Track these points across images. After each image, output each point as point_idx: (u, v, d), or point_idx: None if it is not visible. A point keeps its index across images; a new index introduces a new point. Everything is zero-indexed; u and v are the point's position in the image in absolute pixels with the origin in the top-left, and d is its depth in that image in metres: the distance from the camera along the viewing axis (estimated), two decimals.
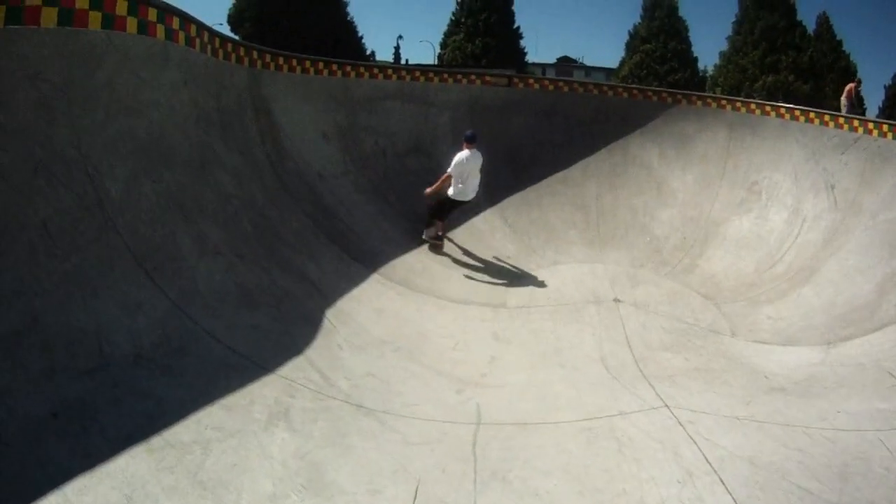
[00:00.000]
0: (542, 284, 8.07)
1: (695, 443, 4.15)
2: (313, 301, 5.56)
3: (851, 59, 35.74)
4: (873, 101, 43.10)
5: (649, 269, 9.17)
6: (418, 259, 7.77)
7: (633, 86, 15.06)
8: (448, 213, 8.66)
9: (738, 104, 11.51)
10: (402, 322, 5.95)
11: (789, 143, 10.25)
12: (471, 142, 8.37)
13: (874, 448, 4.19)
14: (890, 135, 8.82)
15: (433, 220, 8.62)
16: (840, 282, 7.53)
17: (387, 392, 4.48)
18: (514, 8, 37.70)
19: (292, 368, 4.24)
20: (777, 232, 9.32)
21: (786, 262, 8.67)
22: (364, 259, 7.07)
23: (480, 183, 8.60)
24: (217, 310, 4.48)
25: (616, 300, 7.69)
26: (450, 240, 8.87)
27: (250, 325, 4.57)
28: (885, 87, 38.12)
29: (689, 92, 12.20)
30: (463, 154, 8.26)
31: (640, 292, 8.11)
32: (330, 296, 5.81)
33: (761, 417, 4.67)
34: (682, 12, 35.60)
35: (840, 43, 36.19)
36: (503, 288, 7.79)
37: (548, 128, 11.44)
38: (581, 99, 11.77)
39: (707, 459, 3.93)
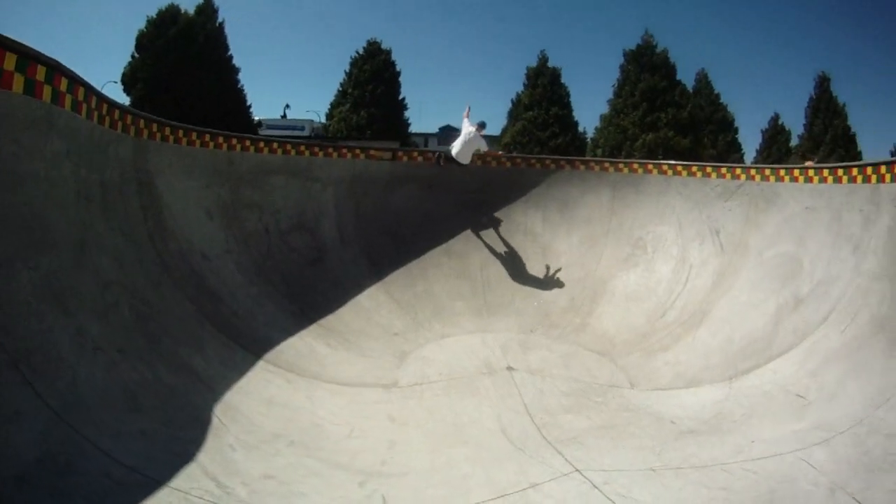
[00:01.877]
0: (432, 359, 7.98)
1: (607, 496, 4.16)
2: (200, 396, 5.22)
3: (729, 109, 38.64)
4: (751, 145, 46.37)
5: (540, 333, 9.34)
6: (304, 342, 7.50)
7: (517, 155, 15.60)
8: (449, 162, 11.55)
9: (621, 165, 12.14)
10: (293, 412, 5.68)
11: (672, 197, 10.88)
12: (481, 127, 11.39)
13: (797, 468, 4.42)
14: (772, 177, 9.45)
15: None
16: (734, 319, 7.95)
17: (288, 495, 4.23)
18: (401, 80, 39.22)
19: (185, 479, 3.91)
20: (665, 281, 9.79)
21: (677, 308, 9.08)
22: (249, 345, 6.77)
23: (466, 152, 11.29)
24: (101, 417, 4.11)
25: (509, 368, 7.72)
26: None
27: (138, 432, 4.23)
28: (761, 131, 41.58)
29: (572, 157, 12.73)
30: (471, 131, 11.27)
31: (533, 358, 8.20)
32: (217, 389, 5.48)
33: (676, 464, 4.78)
34: (564, 79, 37.31)
35: (718, 96, 39.10)
36: (394, 366, 7.66)
37: (431, 200, 11.68)
38: (463, 170, 12.04)
39: None
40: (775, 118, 41.48)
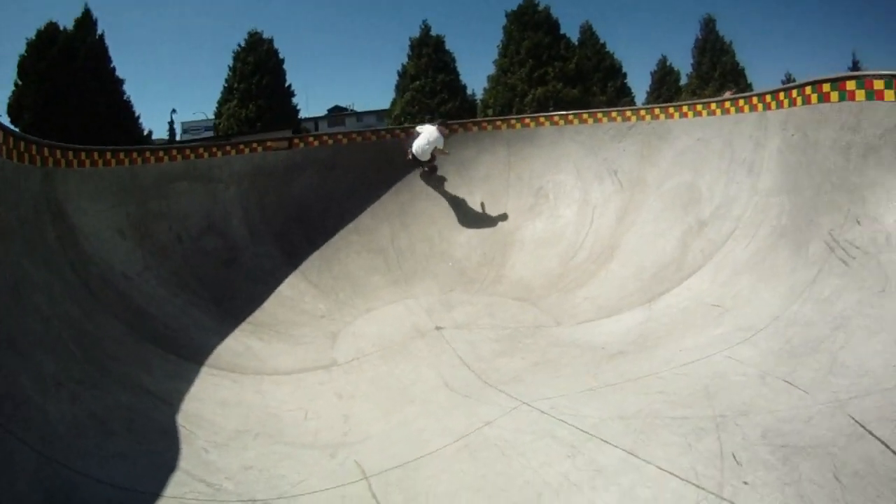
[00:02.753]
0: (363, 334, 8.29)
1: (564, 422, 4.63)
2: (160, 411, 5.35)
3: (616, 57, 39.79)
4: (641, 88, 47.70)
5: (459, 291, 9.80)
6: (238, 341, 7.65)
7: (408, 125, 15.92)
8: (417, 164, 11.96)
9: (514, 121, 12.71)
10: (248, 408, 5.90)
11: (567, 145, 11.59)
12: (444, 125, 11.93)
13: (725, 365, 5.05)
14: (662, 115, 10.25)
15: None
16: (642, 249, 8.72)
17: (270, 478, 4.51)
18: (286, 67, 38.61)
19: (176, 486, 4.15)
20: (572, 224, 10.53)
21: (586, 248, 9.80)
22: (189, 355, 6.88)
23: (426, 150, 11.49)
24: (81, 447, 4.27)
25: (438, 328, 8.13)
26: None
27: (118, 454, 4.39)
28: (651, 73, 43.11)
29: (465, 120, 13.22)
30: (433, 130, 11.59)
31: (457, 314, 8.67)
32: (173, 401, 5.61)
33: (613, 381, 5.37)
34: (448, 46, 37.46)
35: (604, 45, 40.07)
36: (328, 347, 7.92)
37: (332, 181, 11.87)
38: (359, 147, 12.38)
39: (581, 429, 4.43)
40: (663, 60, 42.94)
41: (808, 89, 7.33)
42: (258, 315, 8.63)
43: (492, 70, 37.31)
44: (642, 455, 3.94)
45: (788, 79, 44.48)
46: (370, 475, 4.45)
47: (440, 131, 11.52)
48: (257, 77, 36.82)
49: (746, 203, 7.64)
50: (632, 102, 37.16)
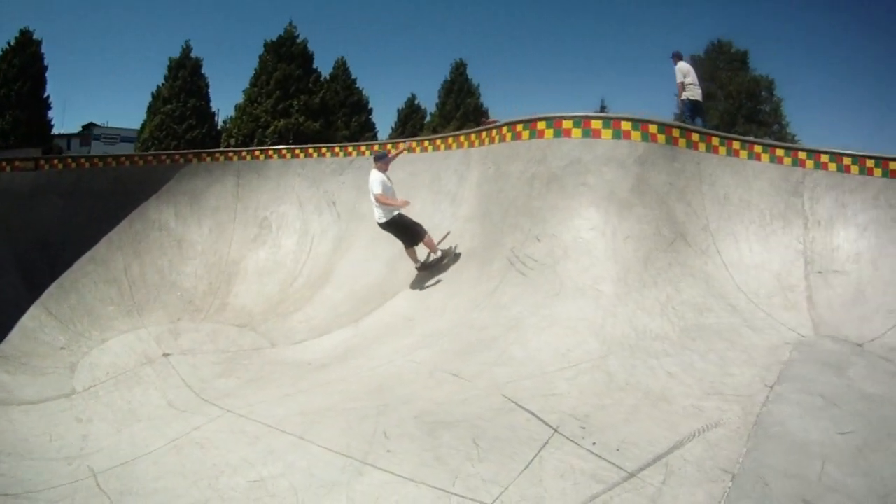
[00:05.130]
0: (98, 364, 8.54)
1: (256, 420, 5.19)
2: None
3: (364, 93, 41.03)
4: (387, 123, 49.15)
5: (187, 319, 10.01)
6: None
7: (149, 153, 15.70)
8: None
9: (244, 153, 13.04)
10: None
11: (292, 177, 12.18)
12: (380, 160, 8.81)
13: (403, 367, 5.93)
14: (419, 149, 10.94)
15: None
16: (355, 274, 9.44)
17: (20, 481, 5.19)
18: (48, 75, 34.61)
19: None
20: (292, 253, 11.12)
21: (304, 274, 10.44)
22: None
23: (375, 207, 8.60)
24: None
25: (165, 355, 8.41)
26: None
27: None
28: (398, 110, 44.01)
29: (200, 150, 13.41)
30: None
31: (184, 341, 9.00)
32: None
33: (307, 388, 5.93)
34: (206, 70, 36.56)
35: (355, 81, 41.17)
36: (68, 377, 8.24)
37: (74, 207, 11.44)
38: (101, 172, 12.04)
39: (267, 424, 5.00)
40: (412, 98, 44.32)
41: (504, 129, 8.49)
42: (4, 347, 8.80)
43: (240, 99, 37.20)
44: (308, 438, 4.46)
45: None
46: (98, 472, 5.08)
47: (378, 169, 8.66)
48: (19, 83, 33.03)
49: (448, 229, 8.72)
50: (374, 137, 38.39)
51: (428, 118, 42.23)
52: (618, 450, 3.94)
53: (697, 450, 4.01)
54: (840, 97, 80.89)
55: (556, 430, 4.18)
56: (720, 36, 51.21)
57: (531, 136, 8.03)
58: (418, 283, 8.19)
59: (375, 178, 8.39)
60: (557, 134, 7.81)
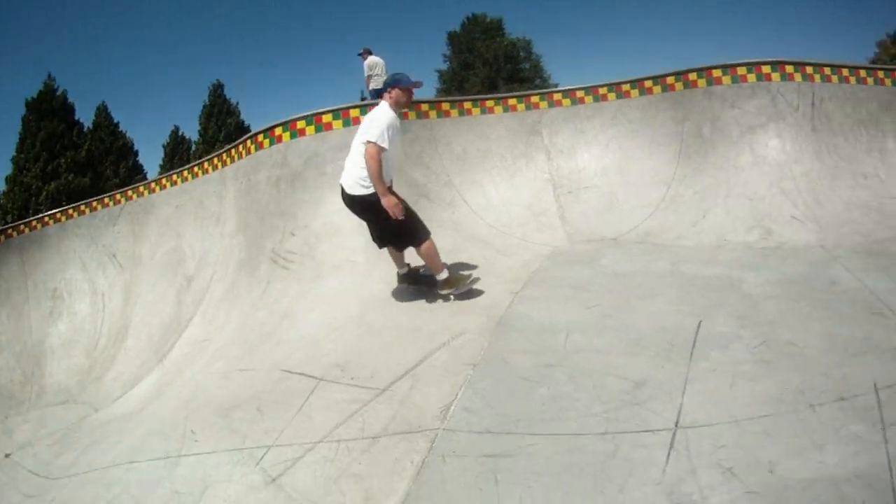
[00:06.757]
0: None
1: (92, 471, 5.67)
2: None
3: (128, 135, 40.00)
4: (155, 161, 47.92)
5: (14, 415, 9.61)
6: None
7: None
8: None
9: (22, 227, 12.63)
10: None
11: (71, 240, 11.95)
12: (394, 86, 6.19)
13: (204, 377, 6.45)
14: (146, 192, 11.29)
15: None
16: (148, 319, 9.63)
17: None
18: None
19: None
20: (88, 317, 11.00)
21: (104, 334, 10.43)
22: None
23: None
24: None
25: (7, 455, 7.96)
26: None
27: None
28: (163, 146, 43.17)
29: None
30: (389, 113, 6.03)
31: (18, 436, 8.65)
32: None
33: (132, 429, 6.45)
34: None
35: (118, 125, 39.87)
36: None
37: None
38: None
39: (103, 467, 5.40)
40: (175, 130, 43.92)
41: (248, 142, 9.15)
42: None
43: (9, 169, 35.19)
44: (136, 460, 5.03)
45: None
46: None
47: (389, 103, 6.09)
48: None
49: (218, 249, 9.16)
50: (144, 178, 37.68)
51: (194, 148, 41.93)
52: (371, 377, 4.86)
53: (444, 356, 4.97)
54: (591, 40, 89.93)
55: (320, 379, 5.05)
56: (473, 11, 54.57)
57: (271, 143, 8.75)
58: (210, 305, 8.51)
59: (379, 116, 5.91)
60: (294, 135, 8.59)
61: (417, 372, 4.70)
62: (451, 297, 6.31)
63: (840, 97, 9.45)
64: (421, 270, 6.71)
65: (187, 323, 8.61)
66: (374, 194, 5.86)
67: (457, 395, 4.19)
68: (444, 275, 6.26)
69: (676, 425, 3.66)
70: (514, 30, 55.96)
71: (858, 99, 9.52)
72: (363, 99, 19.24)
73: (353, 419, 4.21)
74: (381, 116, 5.86)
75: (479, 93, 15.22)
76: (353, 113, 8.58)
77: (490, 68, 47.97)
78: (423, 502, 3.19)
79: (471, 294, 6.27)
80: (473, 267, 6.86)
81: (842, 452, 3.25)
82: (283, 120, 8.75)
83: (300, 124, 8.57)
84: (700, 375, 4.21)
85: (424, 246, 6.14)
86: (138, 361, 8.90)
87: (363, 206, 6.15)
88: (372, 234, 6.59)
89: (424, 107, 9.37)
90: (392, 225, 6.01)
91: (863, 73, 9.79)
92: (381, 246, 6.60)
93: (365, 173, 5.85)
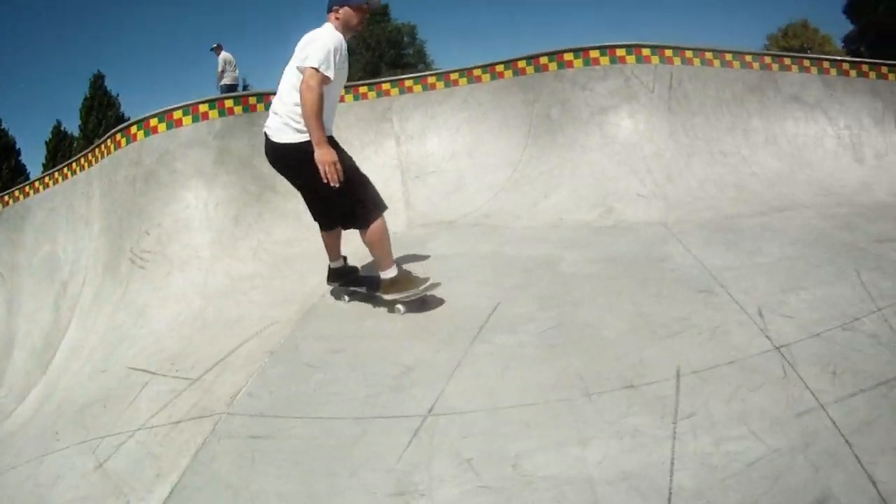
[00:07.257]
0: None
1: None
2: None
3: (10, 134, 38.93)
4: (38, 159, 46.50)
5: None
6: None
7: None
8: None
9: None
10: None
11: None
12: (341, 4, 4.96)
13: (73, 389, 6.59)
14: (21, 196, 11.39)
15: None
16: (30, 328, 9.79)
17: None
18: None
19: None
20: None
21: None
22: None
23: None
24: None
25: None
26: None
27: None
28: (45, 142, 42.20)
29: None
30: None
31: None
32: None
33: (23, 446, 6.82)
34: None
35: None
36: None
37: None
38: None
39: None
40: (58, 126, 42.93)
41: (109, 141, 9.42)
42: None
43: None
44: None
45: None
46: None
47: (335, 24, 4.95)
48: None
49: (88, 251, 9.41)
50: (27, 179, 36.40)
51: (76, 144, 40.73)
52: (192, 368, 5.47)
53: (253, 345, 5.60)
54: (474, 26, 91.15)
55: (154, 373, 5.63)
56: None
57: (128, 141, 9.07)
58: (83, 310, 8.73)
59: (321, 35, 4.81)
60: (147, 133, 8.94)
61: (228, 361, 5.33)
62: (400, 308, 5.29)
63: (702, 78, 9.87)
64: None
65: (65, 329, 8.83)
66: (309, 142, 4.68)
67: (247, 381, 4.82)
68: (391, 272, 5.19)
69: (429, 412, 3.76)
70: (401, 15, 55.66)
71: (722, 80, 9.96)
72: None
73: (166, 408, 4.83)
74: (325, 36, 4.72)
75: (360, 79, 15.86)
76: (203, 108, 8.99)
77: (373, 53, 47.99)
78: (195, 476, 3.76)
79: (425, 305, 5.30)
80: (312, 257, 7.12)
81: (611, 448, 3.18)
82: (138, 118, 9.08)
83: (153, 122, 8.90)
84: (473, 360, 4.35)
85: (373, 226, 5.01)
86: (24, 374, 9.08)
87: (293, 161, 5.01)
88: (311, 209, 5.59)
89: (272, 97, 9.69)
90: (331, 191, 4.76)
91: (729, 56, 10.17)
92: (326, 227, 5.59)
93: (299, 110, 4.68)
